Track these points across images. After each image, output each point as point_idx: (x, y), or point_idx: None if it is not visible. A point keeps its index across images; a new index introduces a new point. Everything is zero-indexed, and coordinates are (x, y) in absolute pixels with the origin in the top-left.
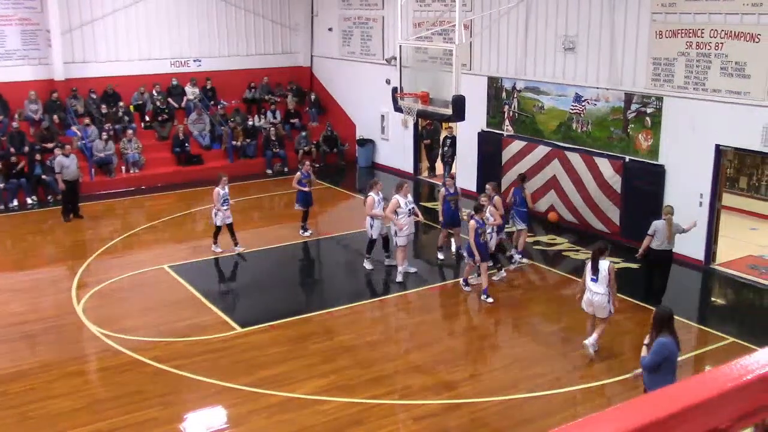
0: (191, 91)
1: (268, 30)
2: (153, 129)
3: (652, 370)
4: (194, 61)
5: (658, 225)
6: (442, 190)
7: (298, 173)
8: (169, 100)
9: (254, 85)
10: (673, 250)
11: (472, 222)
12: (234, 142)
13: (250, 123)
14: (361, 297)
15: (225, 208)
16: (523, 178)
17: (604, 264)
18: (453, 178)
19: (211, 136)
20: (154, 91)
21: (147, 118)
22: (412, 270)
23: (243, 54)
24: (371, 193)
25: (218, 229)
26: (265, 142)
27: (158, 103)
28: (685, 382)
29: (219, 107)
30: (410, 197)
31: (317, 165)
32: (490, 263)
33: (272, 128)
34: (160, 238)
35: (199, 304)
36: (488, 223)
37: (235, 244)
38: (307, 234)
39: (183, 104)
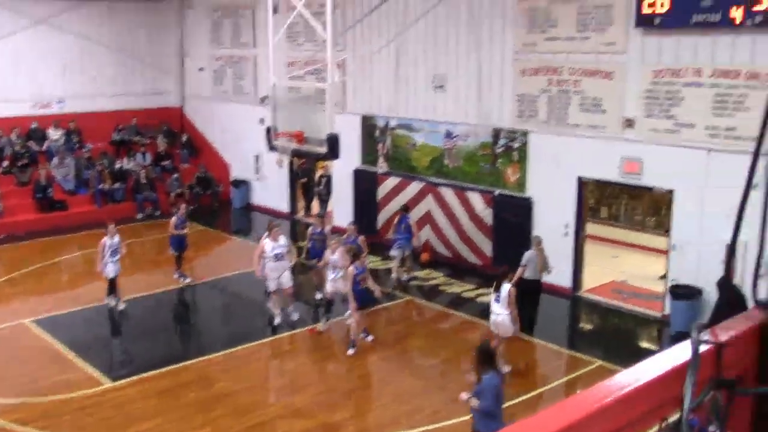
0: (54, 134)
1: (137, 70)
2: (12, 174)
3: (488, 414)
4: (57, 102)
5: (529, 255)
6: (310, 228)
7: (174, 218)
8: (30, 143)
9: (122, 126)
10: (542, 280)
11: (351, 268)
12: (101, 186)
13: (118, 166)
14: (240, 342)
15: (115, 259)
16: (406, 208)
17: (506, 287)
18: (322, 217)
19: (76, 181)
20: (12, 135)
21: (5, 163)
22: (294, 317)
23: (110, 94)
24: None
25: (113, 280)
26: (134, 185)
27: (17, 147)
28: (558, 406)
29: (84, 150)
30: (283, 240)
31: (191, 207)
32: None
33: (142, 171)
34: (20, 291)
35: (65, 359)
36: (336, 266)
37: (115, 297)
38: (186, 281)
39: (44, 148)
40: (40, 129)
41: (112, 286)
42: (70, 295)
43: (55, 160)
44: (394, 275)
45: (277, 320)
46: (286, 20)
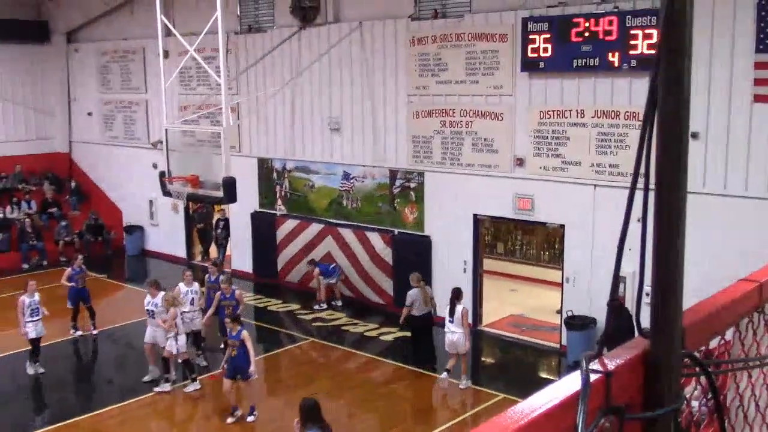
0: None
1: (19, 115)
2: None
3: None
4: None
5: (413, 294)
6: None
7: (69, 269)
8: None
9: (5, 174)
10: (441, 315)
11: (245, 332)
12: None
13: (1, 215)
14: (134, 394)
15: (36, 319)
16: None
17: (459, 307)
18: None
19: None
20: None
21: None
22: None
23: None
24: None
25: (35, 342)
26: (20, 234)
27: None
28: None
29: None
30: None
31: (83, 256)
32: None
33: (27, 219)
34: None
35: None
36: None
37: (35, 362)
38: (77, 334)
39: None
40: None
41: (34, 349)
42: None
43: None
44: None
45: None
46: (178, 64)
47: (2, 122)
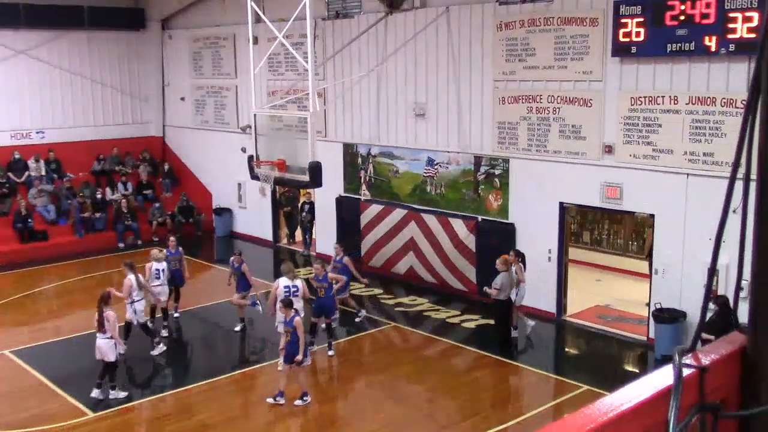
0: (34, 166)
1: (117, 100)
2: None
3: None
4: (37, 132)
5: (504, 278)
6: (312, 276)
7: (164, 252)
8: (10, 174)
9: (103, 156)
10: (526, 304)
11: (298, 319)
12: (82, 216)
13: (99, 196)
14: (221, 372)
15: (158, 283)
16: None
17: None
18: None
19: (57, 211)
20: None
21: None
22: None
23: (90, 125)
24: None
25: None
26: (116, 214)
27: None
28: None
29: (65, 180)
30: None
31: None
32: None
33: (123, 200)
34: (0, 322)
35: (45, 390)
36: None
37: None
38: (176, 315)
39: (24, 178)
40: (21, 159)
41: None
42: (50, 326)
43: (34, 191)
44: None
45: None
46: (267, 50)
47: (101, 106)
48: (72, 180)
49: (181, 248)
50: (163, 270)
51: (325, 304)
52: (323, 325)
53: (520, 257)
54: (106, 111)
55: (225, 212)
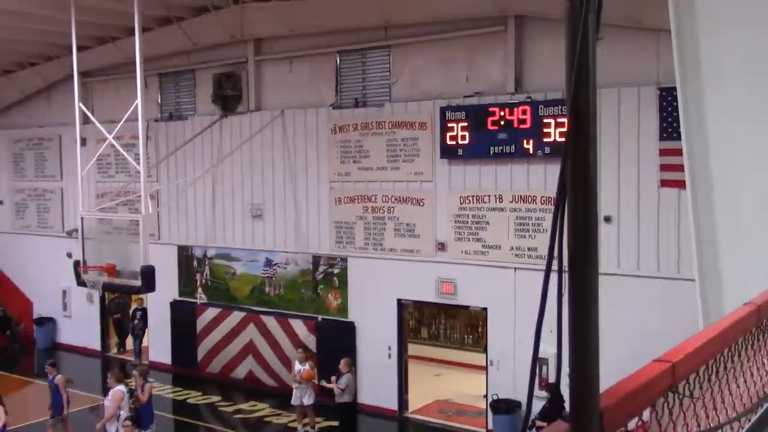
0: None
1: None
2: None
3: None
4: None
5: (349, 379)
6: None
7: None
8: None
9: None
10: (366, 402)
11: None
12: None
13: None
14: None
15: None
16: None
17: None
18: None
19: None
20: None
21: None
22: None
23: None
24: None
25: None
26: None
27: None
28: None
29: None
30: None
31: None
32: None
33: None
34: None
35: None
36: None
37: None
38: None
39: None
40: None
41: None
42: None
43: None
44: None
45: None
46: (96, 151)
47: None
48: None
49: None
50: None
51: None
52: None
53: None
54: None
55: (48, 322)
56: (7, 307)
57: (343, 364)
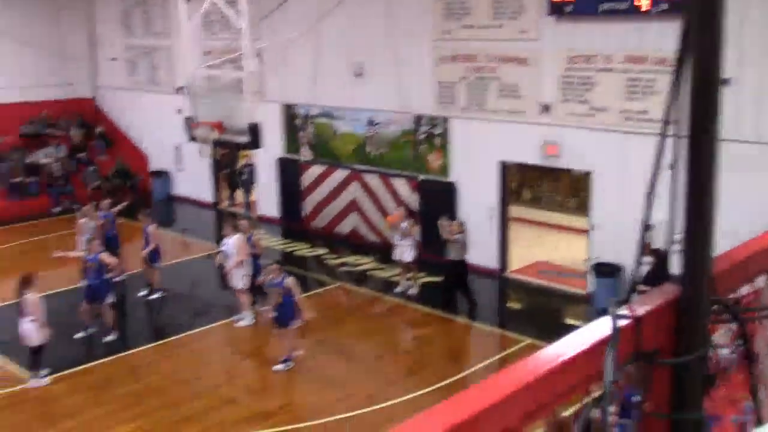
0: None
1: (44, 61)
2: None
3: None
4: None
5: (464, 239)
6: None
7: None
8: None
9: (32, 119)
10: (469, 261)
11: (290, 279)
12: (12, 180)
13: (29, 160)
14: (166, 335)
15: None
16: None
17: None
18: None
19: None
20: None
21: None
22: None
23: (15, 86)
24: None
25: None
26: (49, 178)
27: None
28: (484, 383)
29: None
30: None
31: (110, 201)
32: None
33: (56, 164)
34: None
35: None
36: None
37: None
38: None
39: None
40: None
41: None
42: None
43: None
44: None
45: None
46: (200, 9)
47: (28, 68)
48: (0, 144)
49: (114, 210)
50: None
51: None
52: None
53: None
54: (34, 72)
55: (163, 175)
56: (126, 161)
57: (454, 225)
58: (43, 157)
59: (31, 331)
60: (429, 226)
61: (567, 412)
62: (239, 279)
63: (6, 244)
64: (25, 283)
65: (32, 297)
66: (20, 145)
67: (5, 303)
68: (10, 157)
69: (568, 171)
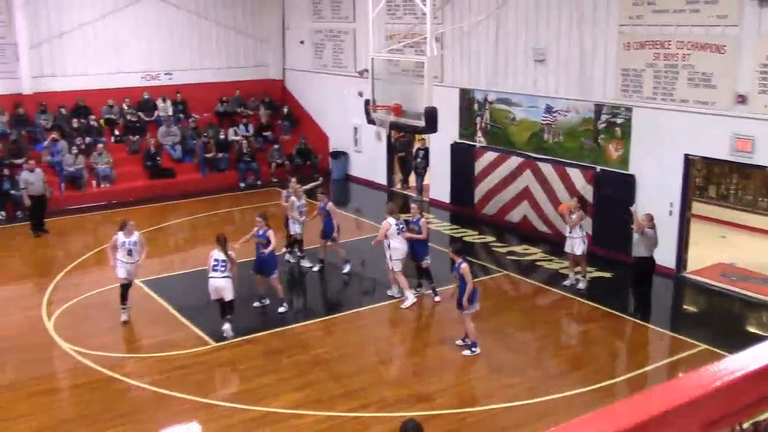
0: (162, 106)
1: (240, 43)
2: (124, 143)
3: None
4: (165, 74)
5: (654, 235)
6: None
7: (284, 192)
8: (140, 114)
9: (226, 98)
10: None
11: (465, 266)
12: (206, 155)
13: (222, 136)
14: (335, 310)
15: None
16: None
17: None
18: (420, 204)
19: (182, 149)
20: (124, 105)
21: (117, 132)
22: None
23: (214, 67)
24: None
25: (123, 285)
26: (237, 155)
27: (129, 117)
28: (656, 388)
29: (191, 120)
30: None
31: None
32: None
33: (244, 141)
34: None
35: (172, 319)
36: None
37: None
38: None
39: (153, 118)
40: (151, 100)
41: (123, 293)
42: (177, 258)
43: (162, 129)
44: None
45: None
46: None
47: (225, 49)
48: (197, 120)
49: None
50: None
51: (416, 248)
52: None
53: (582, 203)
54: (229, 54)
55: (341, 155)
56: (308, 141)
57: (643, 220)
58: (234, 134)
59: (229, 286)
60: (603, 220)
61: (746, 423)
62: (393, 261)
63: (198, 214)
64: (221, 242)
65: (232, 254)
66: (215, 122)
67: (193, 269)
68: (206, 132)
69: (762, 168)
